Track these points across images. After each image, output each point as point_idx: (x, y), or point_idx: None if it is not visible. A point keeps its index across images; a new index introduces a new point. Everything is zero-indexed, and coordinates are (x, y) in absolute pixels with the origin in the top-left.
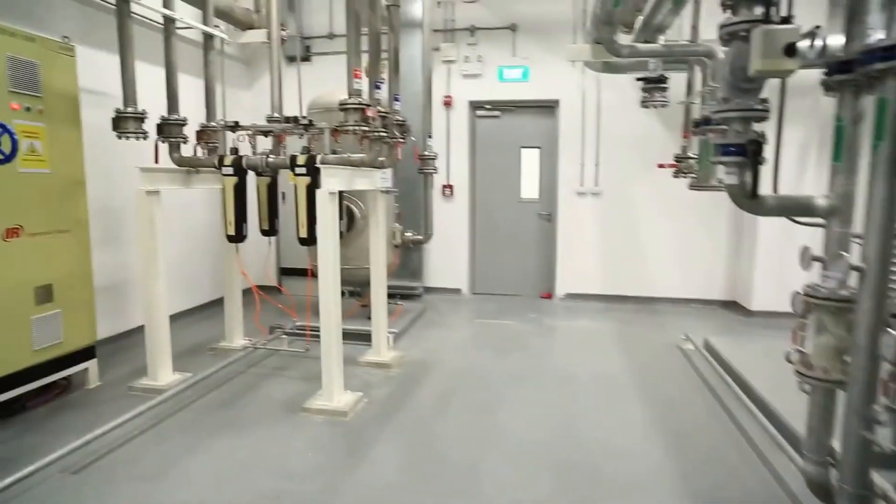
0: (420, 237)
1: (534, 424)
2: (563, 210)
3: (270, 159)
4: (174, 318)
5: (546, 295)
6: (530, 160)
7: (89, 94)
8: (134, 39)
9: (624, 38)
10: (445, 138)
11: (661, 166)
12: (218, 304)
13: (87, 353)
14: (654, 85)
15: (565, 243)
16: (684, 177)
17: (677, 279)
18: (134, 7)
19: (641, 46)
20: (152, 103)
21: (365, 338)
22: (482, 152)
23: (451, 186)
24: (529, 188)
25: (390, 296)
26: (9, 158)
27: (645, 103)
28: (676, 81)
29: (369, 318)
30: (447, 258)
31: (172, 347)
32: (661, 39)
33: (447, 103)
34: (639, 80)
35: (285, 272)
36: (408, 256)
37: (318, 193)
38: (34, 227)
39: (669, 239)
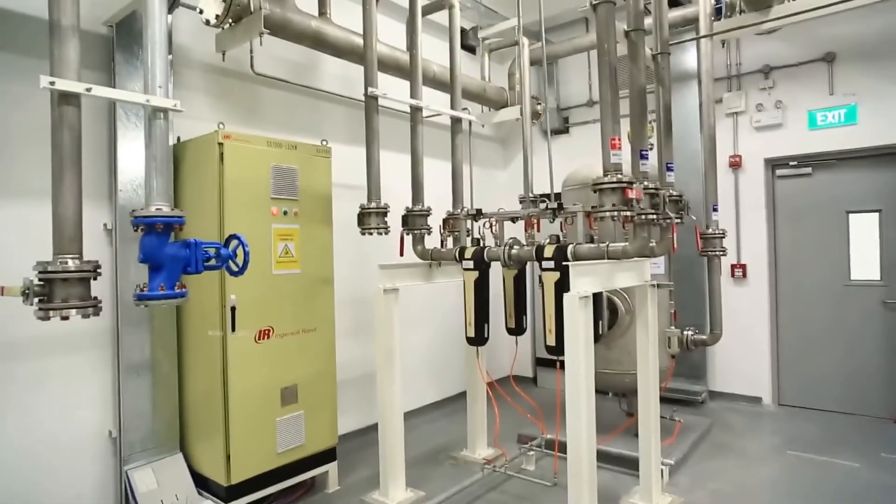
0: (704, 337)
1: None
2: None
3: (514, 251)
4: (418, 413)
5: None
6: (864, 228)
7: (340, 187)
8: (381, 131)
9: None
10: (734, 207)
11: None
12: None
13: (327, 456)
14: None
15: None
16: None
17: None
18: (382, 101)
19: None
20: (400, 191)
21: (630, 464)
22: (786, 221)
23: (742, 266)
24: (865, 266)
25: (663, 400)
26: (241, 271)
27: None
28: None
29: (636, 434)
30: (740, 354)
31: (413, 448)
32: None
33: (734, 164)
34: None
35: (541, 363)
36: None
37: (566, 298)
38: (283, 327)
39: None
